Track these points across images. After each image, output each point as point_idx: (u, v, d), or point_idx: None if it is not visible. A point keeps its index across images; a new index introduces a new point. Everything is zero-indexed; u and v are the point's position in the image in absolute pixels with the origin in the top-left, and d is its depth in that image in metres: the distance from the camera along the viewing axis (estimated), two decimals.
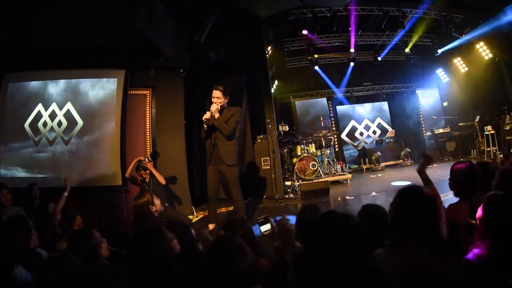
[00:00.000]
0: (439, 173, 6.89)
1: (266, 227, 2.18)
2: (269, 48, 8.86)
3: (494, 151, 8.97)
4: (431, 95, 12.95)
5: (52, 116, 6.12)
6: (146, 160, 5.33)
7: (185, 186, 6.41)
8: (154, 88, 6.53)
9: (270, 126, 7.38)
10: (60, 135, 6.10)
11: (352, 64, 11.48)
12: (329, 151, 9.41)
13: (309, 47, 10.63)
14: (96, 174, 5.97)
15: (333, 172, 8.92)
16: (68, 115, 6.13)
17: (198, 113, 6.35)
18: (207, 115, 4.48)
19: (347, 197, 6.66)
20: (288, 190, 7.45)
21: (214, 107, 4.47)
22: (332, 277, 1.25)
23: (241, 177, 7.60)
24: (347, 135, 12.61)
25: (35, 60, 6.00)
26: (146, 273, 1.75)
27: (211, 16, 6.53)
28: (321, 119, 10.83)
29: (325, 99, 12.70)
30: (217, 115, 4.50)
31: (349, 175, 8.66)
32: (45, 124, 6.11)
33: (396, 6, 9.11)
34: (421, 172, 2.71)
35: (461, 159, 9.01)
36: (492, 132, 9.14)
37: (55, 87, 6.23)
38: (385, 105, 12.94)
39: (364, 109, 12.88)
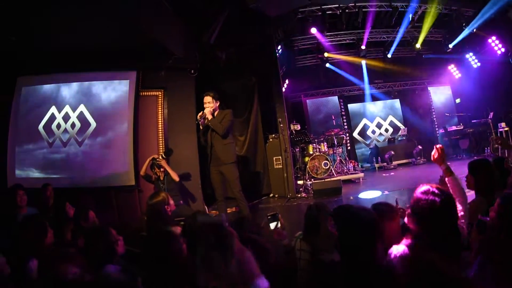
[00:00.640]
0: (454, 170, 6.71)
1: (274, 224, 2.19)
2: (279, 47, 8.83)
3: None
4: (443, 92, 12.74)
5: (66, 118, 6.21)
6: (160, 157, 5.41)
7: (198, 185, 6.42)
8: (166, 89, 6.56)
9: (281, 125, 7.37)
10: (73, 137, 6.17)
11: (364, 62, 11.36)
12: (341, 149, 9.35)
13: (318, 45, 10.55)
14: (109, 174, 6.05)
15: (345, 171, 8.84)
16: (81, 116, 6.22)
17: None
18: (200, 114, 4.73)
19: (359, 196, 6.58)
20: (300, 189, 7.39)
21: (207, 110, 4.71)
22: None
23: (252, 176, 7.68)
24: (359, 134, 12.50)
25: (47, 63, 6.09)
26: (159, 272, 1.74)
27: (219, 16, 6.54)
28: (333, 117, 10.77)
29: (336, 97, 12.59)
30: (210, 117, 4.70)
31: (362, 174, 8.56)
32: (58, 126, 6.20)
33: (405, 2, 8.95)
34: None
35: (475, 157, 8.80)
36: (507, 129, 8.93)
37: (68, 90, 6.32)
38: (396, 102, 12.78)
39: (375, 107, 12.75)
